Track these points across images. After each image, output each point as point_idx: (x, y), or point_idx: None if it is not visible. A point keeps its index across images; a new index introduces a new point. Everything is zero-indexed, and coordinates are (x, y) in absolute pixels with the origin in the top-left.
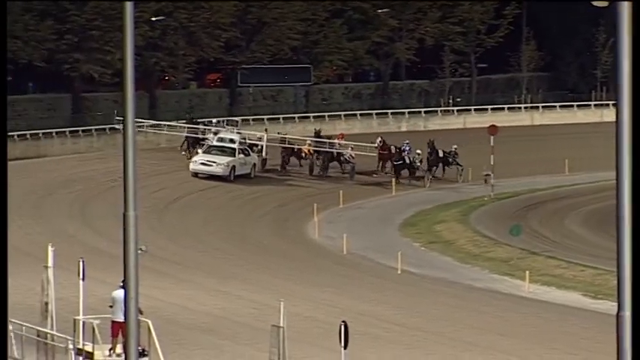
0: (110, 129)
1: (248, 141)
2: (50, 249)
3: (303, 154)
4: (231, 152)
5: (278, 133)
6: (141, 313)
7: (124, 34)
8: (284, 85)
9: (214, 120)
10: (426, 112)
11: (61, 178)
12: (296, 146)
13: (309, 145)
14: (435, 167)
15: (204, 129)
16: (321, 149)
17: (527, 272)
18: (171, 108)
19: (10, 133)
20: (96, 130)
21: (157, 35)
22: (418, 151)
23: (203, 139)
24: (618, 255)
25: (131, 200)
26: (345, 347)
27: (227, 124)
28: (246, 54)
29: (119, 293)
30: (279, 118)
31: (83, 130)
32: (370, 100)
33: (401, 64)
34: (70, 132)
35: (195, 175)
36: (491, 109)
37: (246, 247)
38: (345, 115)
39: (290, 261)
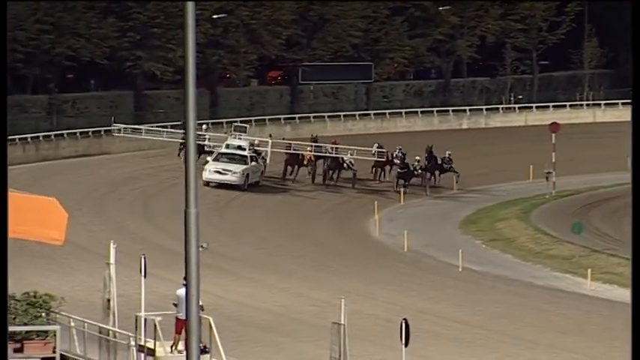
0: (172, 126)
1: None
2: (112, 246)
3: (305, 161)
4: (243, 160)
5: (283, 139)
6: (202, 309)
7: (185, 31)
8: (345, 82)
9: (204, 126)
10: (487, 109)
11: (123, 175)
12: (300, 152)
13: (310, 151)
14: (433, 174)
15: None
16: (326, 155)
17: (589, 270)
18: (233, 105)
19: (72, 131)
20: (157, 127)
21: (219, 33)
22: (417, 158)
23: (203, 146)
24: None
25: (192, 197)
26: (406, 345)
27: (235, 130)
28: (307, 51)
29: (183, 291)
30: (339, 116)
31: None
32: (431, 98)
33: (462, 62)
34: (132, 129)
35: (207, 184)
36: (553, 106)
37: (307, 245)
38: (405, 113)
39: (350, 258)
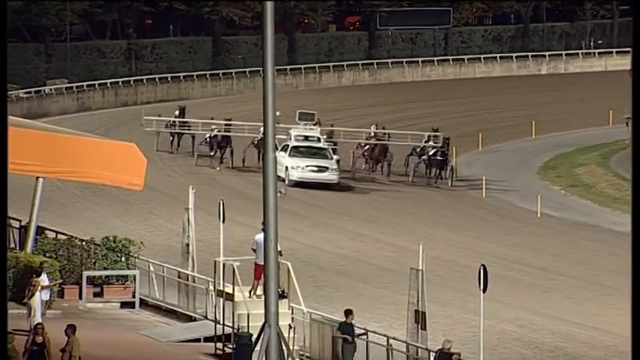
0: (250, 72)
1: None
2: (191, 191)
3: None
4: (323, 153)
5: (332, 126)
6: (280, 255)
7: None
8: (423, 27)
9: (177, 112)
10: (566, 54)
11: (201, 120)
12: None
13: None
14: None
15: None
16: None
17: None
18: (310, 51)
19: (151, 76)
20: (236, 72)
21: None
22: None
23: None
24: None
25: (270, 142)
26: (484, 291)
27: (300, 119)
28: None
29: (261, 237)
30: (417, 61)
31: (223, 73)
32: (510, 43)
33: (541, 6)
34: (211, 75)
35: (296, 184)
36: None
37: (384, 191)
38: (484, 58)
39: (429, 204)
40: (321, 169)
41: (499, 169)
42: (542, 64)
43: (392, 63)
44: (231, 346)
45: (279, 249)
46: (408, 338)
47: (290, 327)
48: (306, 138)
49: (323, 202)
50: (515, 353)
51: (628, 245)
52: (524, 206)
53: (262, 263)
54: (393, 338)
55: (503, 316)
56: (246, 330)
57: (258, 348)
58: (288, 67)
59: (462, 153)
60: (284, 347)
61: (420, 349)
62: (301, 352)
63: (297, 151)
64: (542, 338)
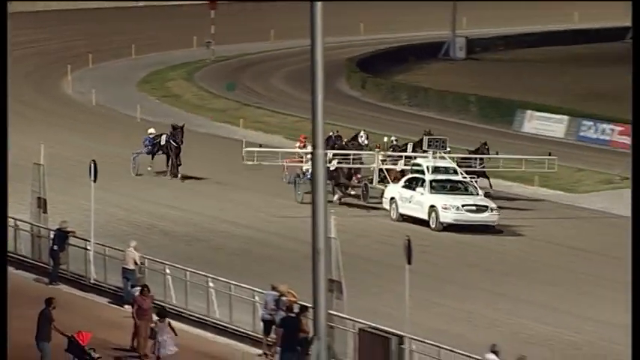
0: None
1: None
2: None
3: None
4: (467, 187)
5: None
6: None
7: None
8: None
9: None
10: None
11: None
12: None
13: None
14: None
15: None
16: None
17: (242, 120)
18: None
19: None
20: None
21: None
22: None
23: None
24: None
25: None
26: (94, 181)
27: (430, 146)
28: None
29: None
30: None
31: None
32: None
33: None
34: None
35: (444, 227)
36: None
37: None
38: None
39: (48, 115)
40: (480, 209)
41: (106, 82)
42: None
43: None
44: None
45: None
46: (32, 220)
47: None
48: (438, 169)
49: None
50: (120, 231)
51: (211, 143)
52: (127, 113)
53: None
54: (21, 220)
55: (111, 201)
56: None
57: None
58: None
59: (75, 70)
60: None
61: (41, 229)
62: None
63: (437, 187)
64: (141, 218)
